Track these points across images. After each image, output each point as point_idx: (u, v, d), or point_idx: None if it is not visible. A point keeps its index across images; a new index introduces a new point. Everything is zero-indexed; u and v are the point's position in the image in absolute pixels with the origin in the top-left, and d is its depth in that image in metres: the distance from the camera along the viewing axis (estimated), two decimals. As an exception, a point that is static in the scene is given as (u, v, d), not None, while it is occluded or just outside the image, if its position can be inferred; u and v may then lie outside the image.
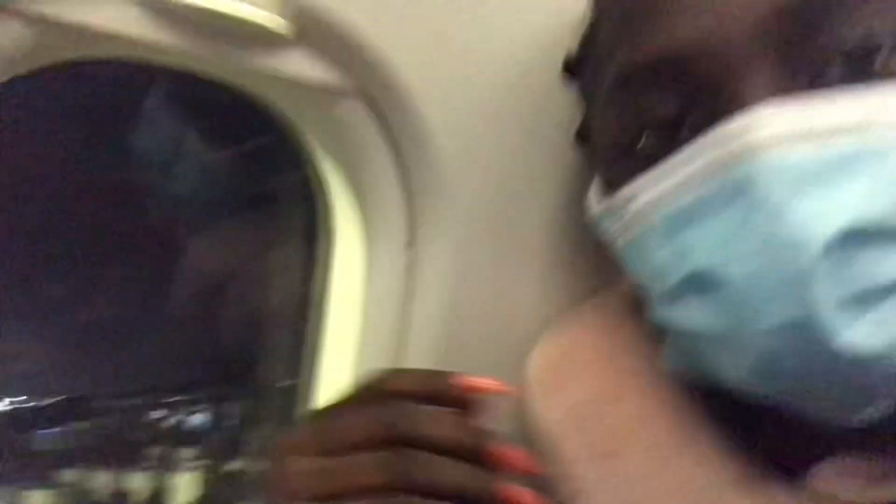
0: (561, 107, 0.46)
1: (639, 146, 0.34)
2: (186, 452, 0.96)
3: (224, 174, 0.58)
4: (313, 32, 0.40)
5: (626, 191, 0.34)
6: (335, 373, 0.50)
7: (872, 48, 0.29)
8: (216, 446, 0.97)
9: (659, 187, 0.32)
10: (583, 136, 0.42)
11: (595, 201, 0.39)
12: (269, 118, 0.47)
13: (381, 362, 0.48)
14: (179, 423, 0.98)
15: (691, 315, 0.32)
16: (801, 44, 0.29)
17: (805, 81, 0.29)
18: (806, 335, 0.28)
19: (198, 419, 0.98)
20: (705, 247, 0.31)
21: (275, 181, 0.55)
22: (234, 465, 0.95)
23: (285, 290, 0.56)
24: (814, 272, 0.27)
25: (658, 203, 0.33)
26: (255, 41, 0.39)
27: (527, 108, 0.47)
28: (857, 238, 0.27)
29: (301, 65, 0.41)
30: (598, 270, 0.48)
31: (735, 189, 0.29)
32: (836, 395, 0.30)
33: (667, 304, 0.34)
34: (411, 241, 0.48)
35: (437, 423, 0.27)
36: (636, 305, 0.40)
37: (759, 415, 0.34)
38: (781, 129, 0.28)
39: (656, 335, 0.38)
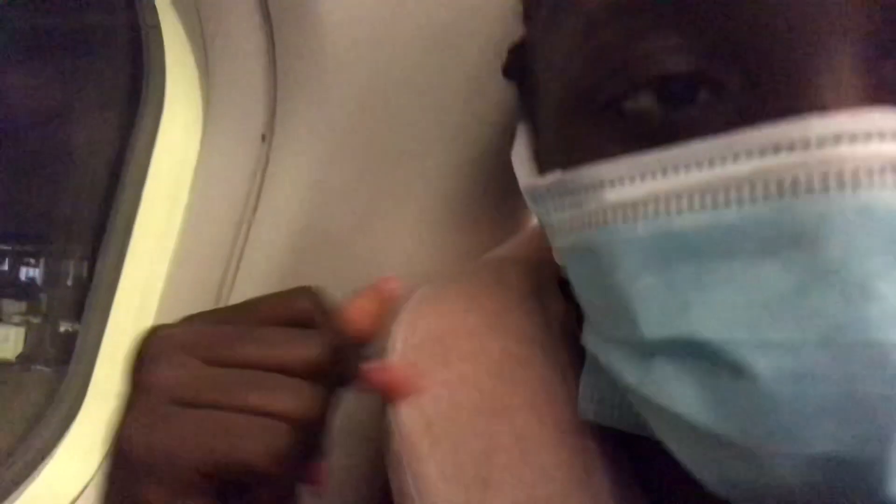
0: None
1: (625, 106, 0.23)
2: (13, 306, 0.90)
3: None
4: None
5: (594, 171, 0.23)
6: (146, 262, 0.40)
7: None
8: (47, 304, 0.88)
9: (664, 183, 0.22)
10: (519, 66, 0.31)
11: (527, 167, 0.29)
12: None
13: (207, 269, 0.39)
14: (6, 272, 0.90)
15: (674, 393, 0.22)
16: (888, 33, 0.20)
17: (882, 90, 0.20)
18: (856, 474, 0.19)
19: (29, 273, 0.90)
20: (725, 307, 0.20)
21: (91, 19, 0.42)
22: (65, 326, 0.89)
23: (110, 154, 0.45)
24: None
25: (657, 207, 0.22)
26: None
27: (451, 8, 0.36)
28: None
29: None
30: (496, 225, 0.39)
31: (795, 231, 0.19)
32: None
33: (628, 353, 0.24)
34: (267, 134, 0.37)
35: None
36: (545, 282, 0.32)
37: (678, 472, 0.25)
38: (887, 153, 0.19)
39: (572, 343, 0.30)
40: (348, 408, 0.29)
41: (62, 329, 0.91)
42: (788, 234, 0.19)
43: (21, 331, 0.91)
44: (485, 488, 0.27)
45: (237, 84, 0.36)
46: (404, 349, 0.30)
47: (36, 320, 0.91)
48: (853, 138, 0.19)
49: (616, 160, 0.23)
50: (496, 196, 0.41)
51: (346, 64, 0.35)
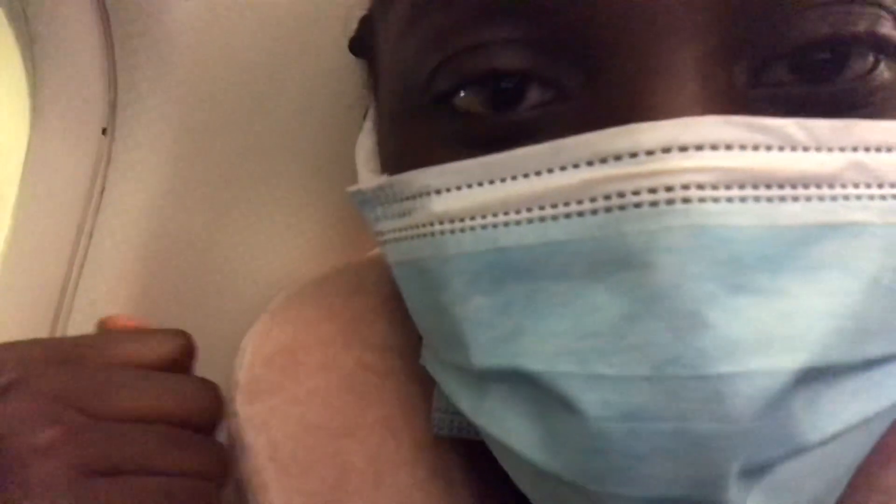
0: None
1: (456, 103, 0.21)
2: None
3: None
4: None
5: (421, 176, 0.21)
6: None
7: (842, 54, 0.19)
8: None
9: (485, 193, 0.20)
10: (362, 47, 0.29)
11: (369, 163, 0.26)
12: None
13: (44, 271, 0.36)
14: None
15: (508, 425, 0.21)
16: (747, 32, 0.19)
17: (746, 91, 0.19)
18: (698, 495, 0.18)
19: None
20: (555, 335, 0.19)
21: None
22: None
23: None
24: (744, 431, 0.17)
25: (485, 220, 0.20)
26: None
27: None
28: (813, 377, 0.18)
29: None
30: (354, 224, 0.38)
31: (623, 252, 0.17)
32: None
33: (462, 381, 0.23)
34: (108, 127, 0.35)
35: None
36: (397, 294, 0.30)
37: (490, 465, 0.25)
38: (720, 167, 0.17)
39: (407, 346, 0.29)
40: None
41: None
42: (616, 256, 0.17)
43: None
44: None
45: (71, 74, 0.33)
46: (252, 363, 0.27)
47: None
48: (684, 149, 0.17)
49: (444, 165, 0.21)
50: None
51: (193, 53, 0.33)
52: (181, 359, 0.25)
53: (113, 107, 0.34)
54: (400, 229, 0.23)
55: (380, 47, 0.25)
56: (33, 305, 0.35)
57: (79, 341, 0.24)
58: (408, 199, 0.22)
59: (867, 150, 0.18)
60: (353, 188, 0.26)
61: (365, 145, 0.27)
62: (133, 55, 0.33)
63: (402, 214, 0.22)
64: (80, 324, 0.36)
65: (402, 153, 0.23)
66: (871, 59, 0.18)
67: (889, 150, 0.18)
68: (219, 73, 0.34)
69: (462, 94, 0.21)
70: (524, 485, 0.23)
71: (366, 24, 0.28)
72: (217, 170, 0.36)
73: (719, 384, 0.17)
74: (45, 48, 0.33)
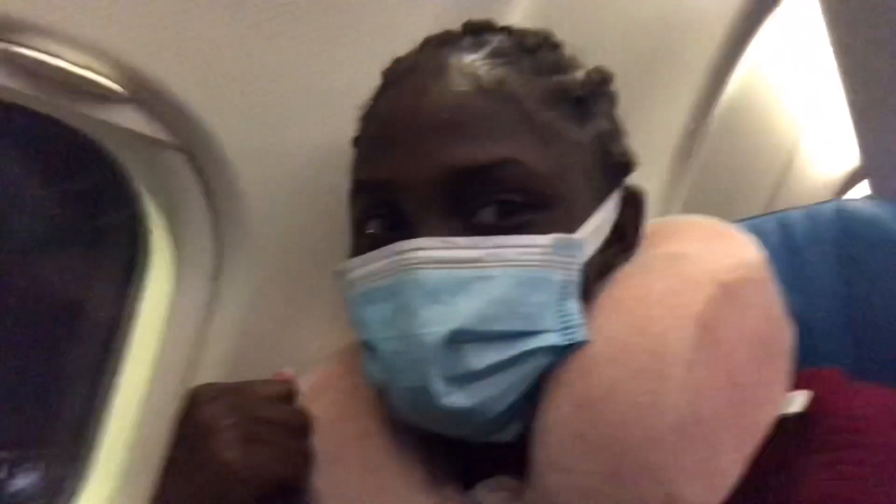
0: None
1: (367, 229, 0.46)
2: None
3: (56, 210, 0.64)
4: (143, 93, 0.49)
5: (347, 263, 0.46)
6: (131, 393, 0.57)
7: (508, 208, 0.42)
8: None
9: (363, 270, 0.44)
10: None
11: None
12: (103, 160, 0.55)
13: (173, 379, 0.56)
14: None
15: (371, 367, 0.45)
16: (461, 198, 0.42)
17: (464, 223, 0.42)
18: (425, 397, 0.40)
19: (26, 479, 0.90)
20: (374, 325, 0.43)
21: (104, 219, 0.63)
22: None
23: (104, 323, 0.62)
24: (430, 358, 0.40)
25: (361, 281, 0.44)
26: (92, 95, 0.48)
27: (330, 171, 0.59)
28: (462, 337, 0.40)
29: (131, 119, 0.50)
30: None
31: (394, 289, 0.41)
32: (455, 431, 0.43)
33: (366, 353, 0.46)
34: (216, 274, 0.57)
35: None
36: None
37: (442, 440, 0.46)
38: (429, 256, 0.41)
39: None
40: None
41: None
42: (391, 291, 0.42)
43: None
44: (338, 463, 0.46)
45: (195, 247, 0.56)
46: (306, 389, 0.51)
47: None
48: (414, 251, 0.41)
49: (356, 258, 0.45)
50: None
51: (267, 226, 0.56)
52: (291, 394, 0.47)
53: (221, 262, 0.56)
54: (344, 287, 0.47)
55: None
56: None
57: (246, 385, 0.47)
58: (347, 272, 0.46)
59: (499, 247, 0.41)
60: (335, 269, 0.48)
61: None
62: (230, 232, 0.56)
63: (344, 279, 0.47)
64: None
65: (352, 251, 0.47)
66: (514, 211, 0.42)
67: (511, 247, 0.41)
68: (283, 240, 0.56)
69: (368, 226, 0.46)
70: (390, 398, 0.44)
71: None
72: (285, 301, 0.57)
73: (421, 336, 0.40)
74: (186, 239, 0.57)
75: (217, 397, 0.45)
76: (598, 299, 0.43)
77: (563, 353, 0.41)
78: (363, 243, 0.45)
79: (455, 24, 0.50)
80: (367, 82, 0.49)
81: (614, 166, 0.47)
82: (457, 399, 0.40)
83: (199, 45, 0.49)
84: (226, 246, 0.57)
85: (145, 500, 0.55)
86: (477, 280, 0.40)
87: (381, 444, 0.47)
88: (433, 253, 0.40)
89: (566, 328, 0.41)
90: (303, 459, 0.45)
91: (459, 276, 0.40)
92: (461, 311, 0.40)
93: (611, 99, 0.49)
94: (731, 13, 0.90)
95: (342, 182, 0.59)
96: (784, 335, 0.44)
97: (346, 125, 0.57)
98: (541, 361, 0.41)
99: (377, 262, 0.43)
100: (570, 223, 0.42)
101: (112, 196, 0.59)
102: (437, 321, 0.39)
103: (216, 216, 0.56)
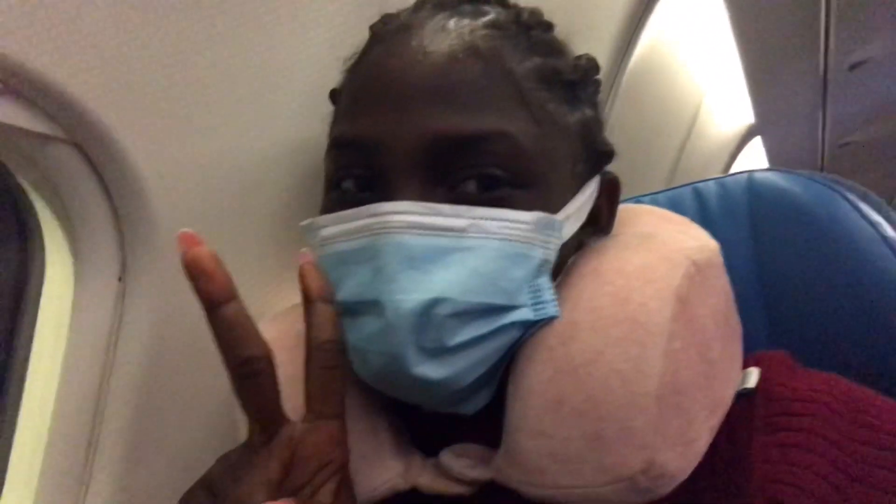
0: (275, 161, 0.55)
1: (341, 186, 0.44)
2: None
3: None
4: (22, 85, 0.44)
5: (320, 219, 0.44)
6: (39, 398, 0.53)
7: (490, 182, 0.41)
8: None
9: (336, 228, 0.42)
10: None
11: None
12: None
13: (84, 386, 0.52)
14: None
15: (345, 325, 0.42)
16: (443, 168, 0.41)
17: (445, 193, 0.41)
18: (396, 364, 0.39)
19: None
20: (351, 285, 0.41)
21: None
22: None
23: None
24: (405, 325, 0.38)
25: (334, 239, 0.42)
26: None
27: (238, 165, 0.55)
28: (440, 307, 0.39)
29: (9, 112, 0.45)
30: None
31: (371, 252, 0.40)
32: (422, 400, 0.43)
33: (340, 311, 0.43)
34: (122, 275, 0.53)
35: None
36: None
37: (405, 406, 0.45)
38: (409, 220, 0.39)
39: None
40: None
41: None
42: (371, 254, 0.40)
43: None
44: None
45: (95, 243, 0.52)
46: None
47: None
48: (395, 214, 0.39)
49: (328, 215, 0.43)
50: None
51: (173, 221, 0.52)
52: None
53: (124, 264, 0.52)
54: (315, 244, 0.45)
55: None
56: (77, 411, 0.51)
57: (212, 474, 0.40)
58: (317, 229, 0.44)
59: (483, 219, 0.40)
60: (302, 223, 0.46)
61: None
62: (133, 230, 0.52)
63: (315, 237, 0.45)
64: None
65: (322, 209, 0.46)
66: (496, 186, 0.42)
67: (495, 220, 0.40)
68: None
69: (343, 183, 0.44)
70: (356, 365, 0.43)
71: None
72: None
73: (398, 303, 0.38)
74: (81, 234, 0.52)
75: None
76: (577, 268, 0.44)
77: (533, 327, 0.42)
78: (336, 200, 0.44)
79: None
80: (284, 72, 0.46)
81: (597, 154, 0.48)
82: (428, 369, 0.39)
83: (88, 33, 0.45)
84: (129, 244, 0.53)
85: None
86: (458, 250, 0.39)
87: (349, 406, 0.44)
88: (415, 218, 0.39)
89: (539, 303, 0.41)
90: None
91: (440, 244, 0.39)
92: (441, 280, 0.39)
93: (596, 86, 0.50)
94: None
95: (252, 176, 0.57)
96: (737, 316, 0.46)
97: (257, 115, 0.53)
98: (513, 335, 0.41)
99: (352, 221, 0.41)
100: (549, 204, 0.42)
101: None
102: (415, 288, 0.38)
103: (116, 213, 0.52)
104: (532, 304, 0.41)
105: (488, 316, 0.40)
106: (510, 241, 0.40)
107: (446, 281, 0.39)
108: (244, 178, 0.56)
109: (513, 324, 0.41)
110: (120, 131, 0.48)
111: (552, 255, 0.42)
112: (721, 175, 0.61)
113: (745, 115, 2.49)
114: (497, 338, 0.41)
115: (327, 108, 0.51)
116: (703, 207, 0.58)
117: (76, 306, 0.52)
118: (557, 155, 0.44)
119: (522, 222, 0.41)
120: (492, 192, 0.41)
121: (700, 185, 0.60)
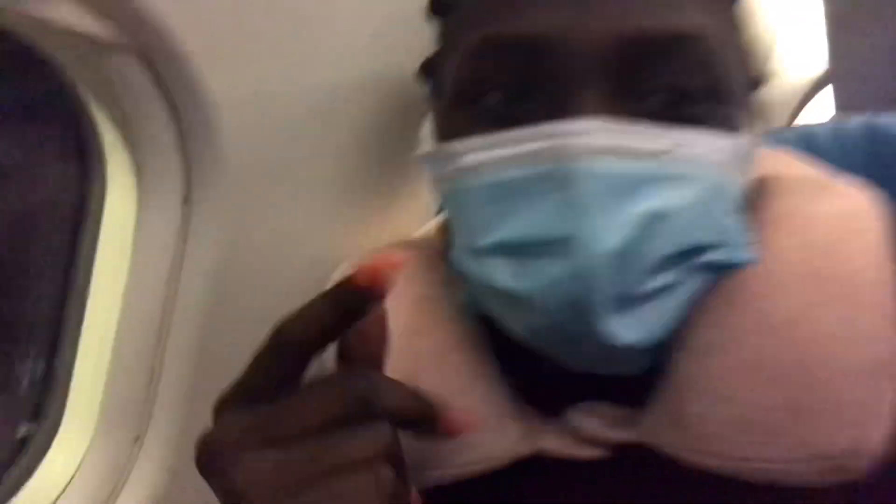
0: (350, 78, 0.52)
1: (483, 101, 0.37)
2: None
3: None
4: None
5: (461, 144, 0.37)
6: (101, 325, 0.51)
7: (684, 96, 0.35)
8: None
9: (492, 153, 0.35)
10: (429, 71, 0.45)
11: (429, 142, 0.41)
12: (44, 66, 0.46)
13: (147, 312, 0.50)
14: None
15: (495, 274, 0.36)
16: (632, 76, 0.34)
17: (631, 107, 0.34)
18: (581, 317, 0.33)
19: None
20: (521, 222, 0.34)
21: (44, 130, 0.54)
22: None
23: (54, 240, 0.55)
24: (599, 270, 0.32)
25: (488, 167, 0.35)
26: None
27: (311, 78, 0.51)
28: (641, 248, 0.33)
29: (70, 14, 0.41)
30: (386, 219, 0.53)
31: (556, 182, 0.33)
32: (590, 361, 0.37)
33: (474, 257, 0.37)
34: (187, 198, 0.50)
35: (397, 394, 0.30)
36: (442, 251, 0.44)
37: (535, 359, 0.39)
38: (603, 143, 0.33)
39: (456, 278, 0.41)
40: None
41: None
42: (555, 184, 0.33)
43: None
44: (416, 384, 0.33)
45: (159, 164, 0.49)
46: None
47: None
48: (585, 134, 0.33)
49: (470, 139, 0.36)
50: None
51: (242, 140, 0.49)
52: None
53: (189, 184, 0.49)
54: (448, 174, 0.38)
55: (440, 77, 0.42)
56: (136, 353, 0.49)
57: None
58: (450, 157, 0.38)
59: (686, 141, 0.34)
60: (420, 153, 0.41)
61: (427, 134, 0.43)
62: (199, 148, 0.49)
63: (449, 165, 0.38)
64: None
65: (449, 132, 0.38)
66: (683, 102, 0.35)
67: (700, 143, 0.34)
68: (260, 154, 0.49)
69: (485, 98, 0.37)
70: (501, 312, 0.38)
71: (428, 66, 0.45)
72: (268, 223, 0.51)
73: (600, 241, 0.32)
74: (142, 150, 0.49)
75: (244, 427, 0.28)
76: (756, 214, 0.38)
77: (729, 271, 0.36)
78: (474, 118, 0.37)
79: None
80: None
81: (753, 79, 0.41)
82: (621, 327, 0.33)
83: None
84: (196, 165, 0.49)
85: (128, 445, 0.51)
86: (660, 179, 0.33)
87: (461, 363, 0.40)
88: (611, 140, 0.33)
89: (737, 244, 0.36)
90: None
91: (642, 171, 0.33)
92: (642, 215, 0.33)
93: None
94: None
95: (326, 111, 0.52)
96: None
97: (340, 46, 0.49)
98: (708, 281, 0.36)
99: (525, 144, 0.34)
100: (733, 127, 0.36)
101: (55, 109, 0.50)
102: (612, 227, 0.32)
103: (181, 130, 0.48)
104: (733, 245, 0.36)
105: (689, 257, 0.35)
106: (716, 170, 0.34)
107: (648, 215, 0.33)
108: (318, 113, 0.52)
109: (709, 265, 0.35)
110: (186, 41, 0.44)
111: (743, 188, 0.37)
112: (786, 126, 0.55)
113: (814, 64, 2.35)
114: (692, 283, 0.36)
115: (405, 39, 0.46)
116: (813, 154, 0.53)
117: (139, 229, 0.50)
118: (741, 71, 0.38)
119: (724, 149, 0.35)
120: (679, 109, 0.35)
121: (810, 129, 0.55)
